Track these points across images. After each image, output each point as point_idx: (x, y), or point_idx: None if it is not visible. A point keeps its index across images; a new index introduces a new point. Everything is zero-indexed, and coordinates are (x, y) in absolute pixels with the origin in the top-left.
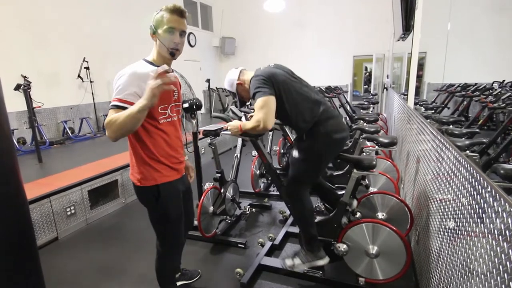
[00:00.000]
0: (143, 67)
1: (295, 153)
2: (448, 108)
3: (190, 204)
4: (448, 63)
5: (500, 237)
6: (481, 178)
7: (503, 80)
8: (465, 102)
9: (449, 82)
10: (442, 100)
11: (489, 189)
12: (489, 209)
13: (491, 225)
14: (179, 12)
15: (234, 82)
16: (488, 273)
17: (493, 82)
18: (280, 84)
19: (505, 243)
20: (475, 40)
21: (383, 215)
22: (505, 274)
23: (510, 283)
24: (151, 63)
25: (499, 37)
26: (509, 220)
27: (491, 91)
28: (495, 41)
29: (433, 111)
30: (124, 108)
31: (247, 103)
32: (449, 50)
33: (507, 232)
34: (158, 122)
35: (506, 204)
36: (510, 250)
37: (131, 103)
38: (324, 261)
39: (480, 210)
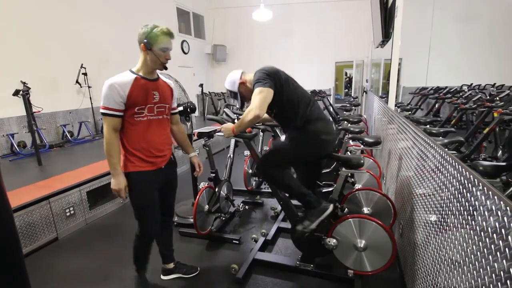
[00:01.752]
0: (124, 77)
1: (282, 137)
2: (422, 109)
3: (171, 195)
4: (421, 68)
5: (495, 235)
6: (471, 176)
7: (471, 83)
8: (437, 104)
9: (422, 86)
10: (416, 102)
11: (480, 187)
12: (481, 207)
13: (484, 222)
14: (172, 35)
15: (237, 81)
16: (481, 270)
17: (462, 85)
18: (282, 81)
19: (500, 241)
20: (444, 47)
21: (368, 210)
22: (501, 272)
23: (508, 281)
24: (132, 72)
25: (465, 45)
26: (505, 218)
27: (461, 94)
28: (462, 48)
29: (409, 112)
30: (110, 115)
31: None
32: (422, 56)
33: (502, 230)
34: (134, 119)
35: (501, 202)
36: (507, 249)
37: (114, 109)
38: (329, 210)
39: (470, 207)
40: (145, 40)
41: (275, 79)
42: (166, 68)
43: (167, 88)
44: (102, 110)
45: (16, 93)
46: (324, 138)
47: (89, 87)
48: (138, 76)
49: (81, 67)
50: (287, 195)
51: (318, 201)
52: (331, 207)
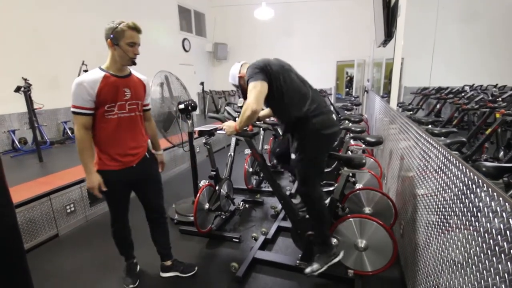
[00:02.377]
0: (92, 75)
1: (292, 155)
2: (423, 109)
3: (151, 192)
4: (423, 68)
5: (499, 236)
6: (475, 177)
7: (473, 84)
8: (438, 104)
9: (423, 86)
10: (417, 102)
11: (485, 188)
12: (485, 208)
13: (488, 224)
14: (138, 29)
15: (236, 76)
16: (485, 271)
17: (463, 86)
18: (274, 73)
19: (505, 243)
20: (447, 48)
21: (369, 209)
22: (506, 275)
23: None
24: (102, 69)
25: (468, 46)
26: (510, 220)
27: (463, 94)
28: (464, 48)
29: (411, 112)
30: (79, 114)
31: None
32: (424, 56)
33: (507, 232)
34: (104, 117)
35: (506, 204)
36: (511, 250)
37: (83, 107)
38: (339, 257)
39: (474, 209)
40: (111, 36)
41: (266, 71)
42: (134, 63)
43: (140, 84)
44: (72, 109)
45: (17, 89)
46: (327, 132)
47: None
48: (107, 73)
49: (82, 64)
50: (315, 230)
51: (332, 246)
52: (341, 254)
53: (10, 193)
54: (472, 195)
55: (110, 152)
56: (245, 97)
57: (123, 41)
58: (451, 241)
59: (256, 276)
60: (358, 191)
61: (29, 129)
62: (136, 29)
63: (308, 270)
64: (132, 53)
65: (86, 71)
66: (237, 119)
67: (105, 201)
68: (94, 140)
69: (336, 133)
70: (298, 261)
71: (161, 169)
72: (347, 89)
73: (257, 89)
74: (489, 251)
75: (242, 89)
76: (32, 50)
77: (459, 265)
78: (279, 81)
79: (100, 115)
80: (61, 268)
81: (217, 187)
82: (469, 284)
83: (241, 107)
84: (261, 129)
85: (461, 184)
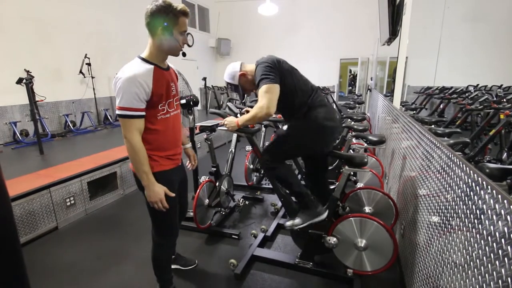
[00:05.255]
0: (140, 67)
1: (284, 127)
2: (426, 109)
3: (184, 195)
4: (427, 67)
5: (503, 240)
6: (479, 178)
7: (477, 84)
8: (442, 104)
9: (427, 85)
10: (420, 101)
11: (489, 190)
12: (489, 211)
13: (492, 227)
14: (188, 15)
15: (237, 73)
16: (487, 275)
17: (467, 86)
18: (285, 70)
19: (508, 247)
20: (451, 47)
21: (370, 209)
22: (509, 279)
23: None
24: (146, 60)
25: (473, 46)
26: None
27: (467, 94)
28: (469, 49)
29: (414, 112)
30: (134, 117)
31: (248, 96)
32: (429, 56)
33: (511, 235)
34: (156, 118)
35: (511, 207)
36: None
37: (138, 109)
38: (322, 216)
39: (477, 211)
40: (165, 24)
41: (278, 69)
42: (184, 55)
43: (176, 76)
44: (124, 112)
45: (19, 81)
46: (327, 124)
47: (92, 77)
48: (155, 65)
49: (85, 57)
50: (287, 191)
51: (315, 204)
52: (325, 214)
53: (5, 184)
54: (475, 197)
55: (161, 154)
56: (243, 97)
57: (176, 29)
58: (453, 243)
59: (254, 273)
60: (359, 190)
61: (30, 121)
62: (187, 14)
63: (288, 223)
64: (182, 43)
65: (88, 64)
66: (238, 115)
67: (105, 194)
68: (146, 144)
69: (335, 129)
70: (297, 259)
71: (194, 162)
72: (350, 87)
73: (272, 93)
74: (491, 254)
75: (242, 88)
76: (35, 42)
77: (460, 267)
78: (291, 76)
79: (151, 116)
80: (60, 260)
81: (217, 183)
82: (471, 287)
83: (243, 103)
84: (263, 126)
85: (464, 185)
